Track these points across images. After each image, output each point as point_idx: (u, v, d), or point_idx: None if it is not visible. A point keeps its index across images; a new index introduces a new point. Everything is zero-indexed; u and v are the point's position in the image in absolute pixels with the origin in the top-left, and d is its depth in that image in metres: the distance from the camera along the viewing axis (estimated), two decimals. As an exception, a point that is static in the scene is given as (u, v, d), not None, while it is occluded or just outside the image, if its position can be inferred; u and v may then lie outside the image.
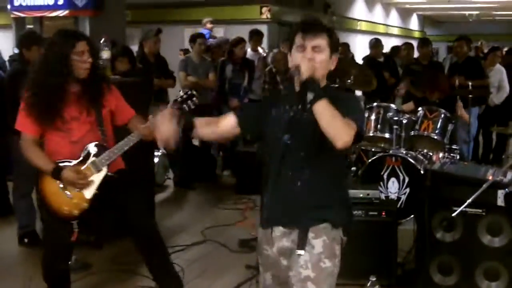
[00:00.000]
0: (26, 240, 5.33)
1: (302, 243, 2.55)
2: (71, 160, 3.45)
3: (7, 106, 5.32)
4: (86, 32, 8.08)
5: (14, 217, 5.60)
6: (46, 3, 8.12)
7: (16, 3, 8.43)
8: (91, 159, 3.46)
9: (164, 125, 2.62)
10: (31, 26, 8.69)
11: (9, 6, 8.64)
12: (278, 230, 2.63)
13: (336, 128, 2.37)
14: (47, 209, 3.49)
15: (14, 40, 8.42)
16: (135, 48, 7.70)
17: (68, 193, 3.43)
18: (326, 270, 2.55)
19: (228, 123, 2.76)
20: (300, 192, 2.58)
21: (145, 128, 3.44)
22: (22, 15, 8.54)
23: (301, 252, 2.54)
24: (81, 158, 3.46)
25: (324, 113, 2.38)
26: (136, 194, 3.71)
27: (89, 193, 3.44)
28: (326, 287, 2.57)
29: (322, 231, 2.58)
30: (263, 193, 2.78)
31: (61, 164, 3.41)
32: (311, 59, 2.50)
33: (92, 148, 3.45)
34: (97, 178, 3.45)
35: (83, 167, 3.44)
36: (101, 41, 5.15)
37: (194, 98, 3.23)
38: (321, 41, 2.55)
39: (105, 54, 5.11)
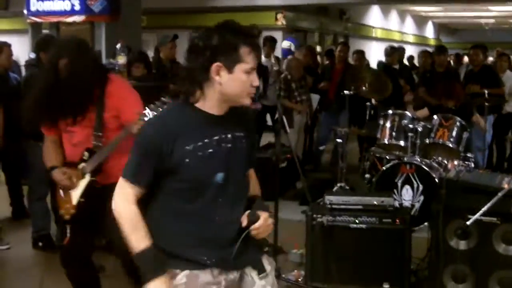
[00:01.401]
0: (40, 243, 5.36)
1: (261, 268, 2.41)
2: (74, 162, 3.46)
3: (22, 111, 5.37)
4: (102, 38, 8.18)
5: (28, 220, 5.64)
6: (63, 9, 8.20)
7: (32, 8, 8.50)
8: (82, 164, 3.43)
9: None
10: (47, 31, 8.77)
11: (25, 11, 8.71)
12: (222, 277, 2.33)
13: None
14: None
15: (30, 45, 8.49)
16: (151, 53, 7.74)
17: (62, 194, 3.47)
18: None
19: (137, 198, 2.29)
20: (239, 232, 2.30)
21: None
22: (38, 20, 8.61)
23: (263, 274, 2.39)
24: (78, 161, 3.45)
25: None
26: None
27: (75, 199, 3.42)
28: None
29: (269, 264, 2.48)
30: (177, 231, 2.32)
31: (56, 165, 3.45)
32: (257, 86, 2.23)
33: (85, 154, 3.42)
34: (82, 184, 3.42)
35: (73, 169, 3.43)
36: (117, 47, 5.20)
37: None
38: None
39: (121, 59, 5.16)
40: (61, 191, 3.48)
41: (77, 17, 8.13)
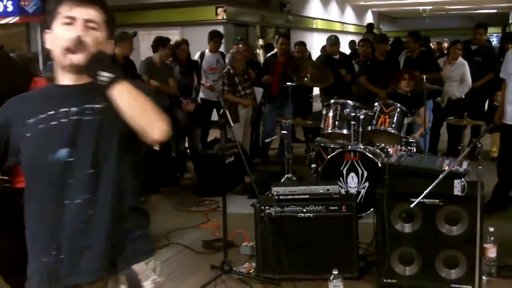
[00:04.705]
0: None
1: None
2: None
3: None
4: (38, 39, 7.99)
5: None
6: (-6, 10, 7.95)
7: (-38, 12, 8.20)
8: None
9: None
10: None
11: (-46, 15, 8.41)
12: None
13: (152, 114, 1.85)
14: None
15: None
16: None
17: None
18: None
19: None
20: (99, 223, 1.93)
21: None
22: (-31, 24, 8.33)
23: None
24: None
25: (131, 98, 1.84)
26: None
27: None
28: None
29: (150, 269, 2.07)
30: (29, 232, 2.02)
31: None
32: (82, 36, 1.88)
33: None
34: None
35: None
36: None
37: None
38: (96, 14, 1.95)
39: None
40: None
41: (10, 18, 7.89)
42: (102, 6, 1.99)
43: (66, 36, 1.89)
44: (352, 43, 14.97)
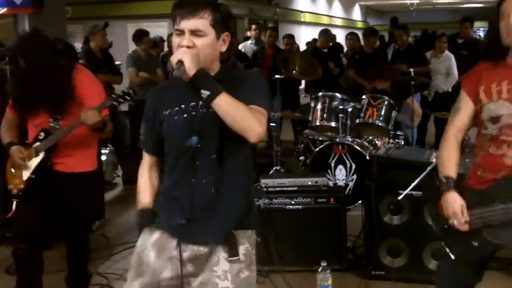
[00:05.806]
0: None
1: (233, 249, 2.34)
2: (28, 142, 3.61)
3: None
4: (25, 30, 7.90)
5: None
6: (-19, 2, 7.86)
7: None
8: (36, 143, 3.56)
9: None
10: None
11: None
12: (190, 247, 2.34)
13: (245, 121, 2.12)
14: (3, 184, 3.67)
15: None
16: (77, 45, 7.55)
17: (13, 170, 3.60)
18: (246, 281, 2.40)
19: (150, 165, 2.51)
20: (221, 199, 2.30)
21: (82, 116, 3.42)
22: (-44, 15, 8.24)
23: (234, 258, 2.34)
24: (33, 141, 3.59)
25: (227, 109, 2.11)
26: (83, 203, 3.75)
27: (26, 174, 3.55)
28: None
29: (245, 238, 2.38)
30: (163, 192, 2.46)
31: (14, 141, 3.61)
32: (189, 46, 2.14)
33: (41, 134, 3.55)
34: (34, 161, 3.55)
35: (28, 149, 3.57)
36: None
37: (130, 99, 3.32)
38: (201, 22, 2.15)
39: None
40: (12, 166, 3.60)
41: (-2, 10, 7.83)
42: (210, 11, 2.17)
43: (177, 46, 2.17)
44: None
